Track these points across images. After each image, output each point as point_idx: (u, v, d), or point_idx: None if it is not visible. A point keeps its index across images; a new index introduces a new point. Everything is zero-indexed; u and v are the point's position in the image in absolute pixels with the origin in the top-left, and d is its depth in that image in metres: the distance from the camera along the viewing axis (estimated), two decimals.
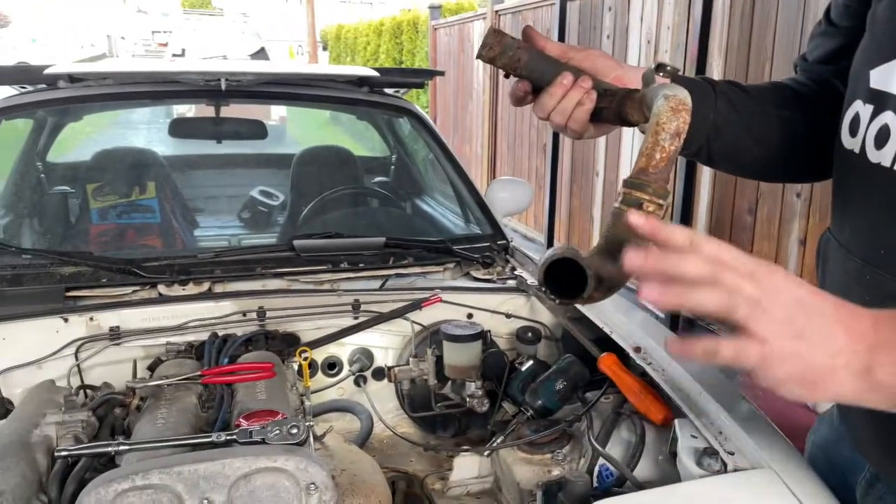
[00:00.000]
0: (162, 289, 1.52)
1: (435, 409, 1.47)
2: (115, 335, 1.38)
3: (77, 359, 1.35)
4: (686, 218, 3.28)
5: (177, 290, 1.52)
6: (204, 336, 1.39)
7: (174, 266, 1.57)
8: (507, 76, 0.80)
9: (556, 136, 4.70)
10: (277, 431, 0.97)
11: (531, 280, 1.69)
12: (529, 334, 1.54)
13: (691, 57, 3.22)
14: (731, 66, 3.11)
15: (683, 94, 0.62)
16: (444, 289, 1.56)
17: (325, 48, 23.21)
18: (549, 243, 4.81)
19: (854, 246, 0.79)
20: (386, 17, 10.16)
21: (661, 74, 0.68)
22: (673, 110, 0.61)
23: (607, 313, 1.45)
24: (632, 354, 1.27)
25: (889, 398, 0.56)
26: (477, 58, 0.76)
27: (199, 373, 1.21)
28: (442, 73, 2.99)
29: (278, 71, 2.03)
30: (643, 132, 0.72)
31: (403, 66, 9.22)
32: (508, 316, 1.59)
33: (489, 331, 1.52)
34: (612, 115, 0.76)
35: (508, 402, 1.47)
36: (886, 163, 0.72)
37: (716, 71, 3.19)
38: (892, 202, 0.72)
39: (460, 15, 7.01)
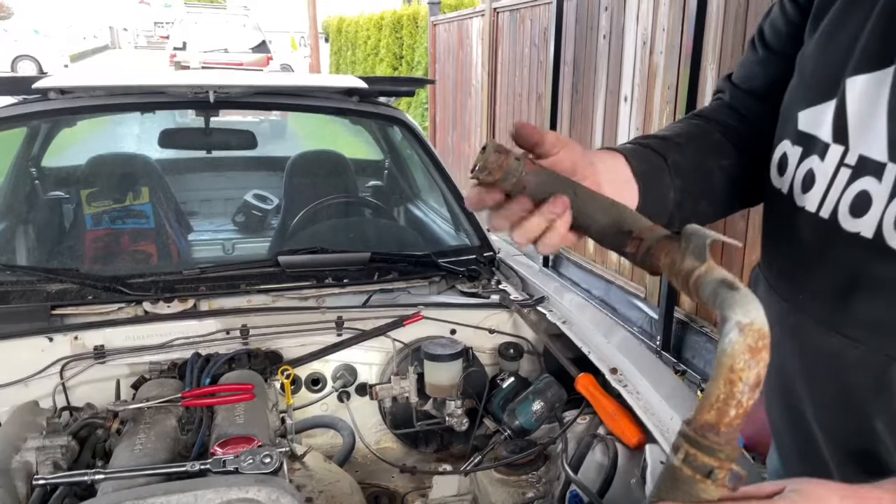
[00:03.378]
0: (147, 306, 1.54)
1: (416, 427, 1.48)
2: (100, 354, 1.39)
3: (62, 377, 1.37)
4: None
5: (162, 307, 1.53)
6: (188, 354, 1.41)
7: (159, 283, 1.59)
8: (514, 195, 0.65)
9: None
10: (251, 460, 0.98)
11: (514, 295, 1.70)
12: (511, 351, 1.56)
13: (685, 59, 3.22)
14: (724, 68, 3.10)
15: (761, 322, 0.49)
16: (427, 305, 1.58)
17: (326, 40, 23.13)
18: None
19: (779, 287, 0.79)
20: (386, 12, 10.14)
21: (711, 244, 0.55)
22: (752, 351, 0.48)
23: (587, 332, 1.46)
24: (608, 376, 1.28)
25: None
26: (472, 178, 0.64)
27: (179, 395, 1.22)
28: (432, 82, 2.97)
29: (267, 83, 2.03)
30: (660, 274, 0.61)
31: (404, 59, 9.21)
32: (492, 331, 1.60)
33: (471, 347, 1.53)
34: (637, 261, 0.62)
35: (489, 418, 1.48)
36: (811, 208, 0.72)
37: (710, 74, 3.18)
38: (816, 248, 0.72)
39: (459, 11, 6.99)
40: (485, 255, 1.91)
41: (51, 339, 1.39)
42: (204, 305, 1.60)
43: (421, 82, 2.48)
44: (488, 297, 1.70)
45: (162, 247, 2.28)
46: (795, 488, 0.56)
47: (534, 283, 1.75)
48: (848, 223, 0.68)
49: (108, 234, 2.35)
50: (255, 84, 1.97)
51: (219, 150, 2.56)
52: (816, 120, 0.72)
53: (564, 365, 1.40)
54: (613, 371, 1.29)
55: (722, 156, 0.85)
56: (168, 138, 2.29)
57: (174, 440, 1.15)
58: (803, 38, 0.78)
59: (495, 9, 5.67)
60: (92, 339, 1.41)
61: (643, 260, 0.61)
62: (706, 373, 3.28)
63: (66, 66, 20.24)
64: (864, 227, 0.66)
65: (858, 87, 0.68)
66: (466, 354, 1.49)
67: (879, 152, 0.65)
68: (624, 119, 3.95)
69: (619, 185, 0.75)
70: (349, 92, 2.17)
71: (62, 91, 2.00)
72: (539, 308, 1.60)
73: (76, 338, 1.40)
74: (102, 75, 2.32)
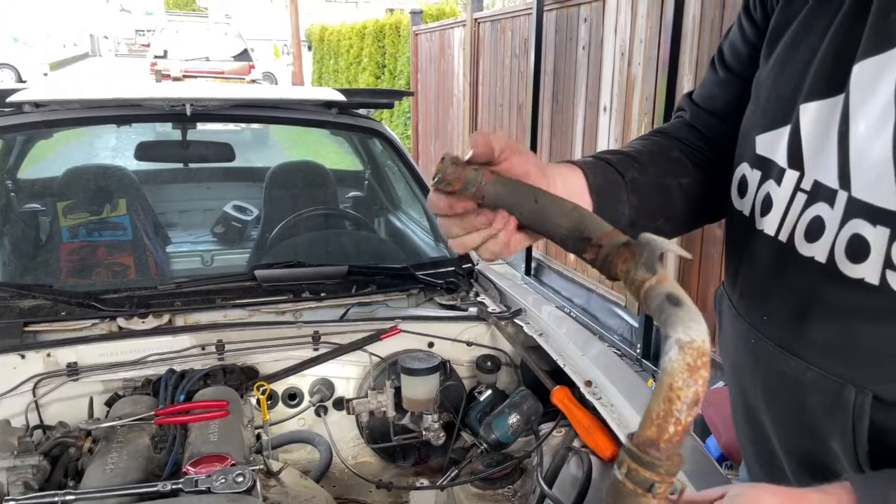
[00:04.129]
0: (121, 321, 1.53)
1: (394, 441, 1.48)
2: (73, 371, 1.38)
3: (35, 395, 1.36)
4: None
5: (136, 323, 1.52)
6: (162, 370, 1.40)
7: (134, 298, 1.58)
8: (479, 205, 0.67)
9: (533, 147, 4.73)
10: (223, 480, 0.98)
11: (492, 307, 1.71)
12: (489, 363, 1.56)
13: (663, 70, 3.25)
14: (700, 79, 3.14)
15: (701, 340, 0.50)
16: (404, 318, 1.58)
17: (309, 48, 23.09)
18: (528, 250, 4.83)
19: (742, 308, 0.80)
20: (369, 21, 10.15)
21: (662, 253, 0.58)
22: (690, 370, 0.49)
23: (564, 344, 1.47)
24: (582, 389, 1.29)
25: None
26: (433, 190, 0.64)
27: (152, 413, 1.22)
28: (412, 94, 2.97)
29: (244, 96, 2.03)
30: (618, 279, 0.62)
31: (386, 68, 9.22)
32: (469, 344, 1.61)
33: (448, 361, 1.53)
34: (597, 267, 0.63)
35: (467, 432, 1.48)
36: (770, 231, 0.73)
37: (687, 85, 3.22)
38: (775, 271, 0.73)
39: (441, 21, 7.02)
40: (463, 266, 1.92)
41: (23, 357, 1.37)
42: (179, 320, 1.59)
43: (400, 94, 2.48)
44: (466, 310, 1.71)
45: (139, 259, 2.27)
46: (735, 493, 0.57)
47: (512, 295, 1.76)
48: (804, 248, 0.69)
49: (85, 246, 2.33)
50: (231, 97, 1.96)
51: (196, 163, 2.55)
52: (773, 145, 0.74)
53: (540, 377, 1.41)
54: (588, 384, 1.30)
55: (681, 173, 0.86)
56: (144, 151, 2.28)
57: (147, 459, 1.14)
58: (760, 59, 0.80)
59: (476, 19, 5.71)
60: (65, 355, 1.39)
61: (602, 266, 0.62)
62: None
63: (45, 74, 20.05)
64: (818, 251, 0.68)
65: (811, 114, 0.70)
66: (444, 368, 1.49)
67: (831, 179, 0.67)
68: (603, 129, 3.99)
69: (572, 198, 0.73)
70: (328, 104, 2.17)
71: (37, 105, 1.99)
72: (516, 320, 1.61)
73: (49, 355, 1.39)
74: (78, 88, 2.30)
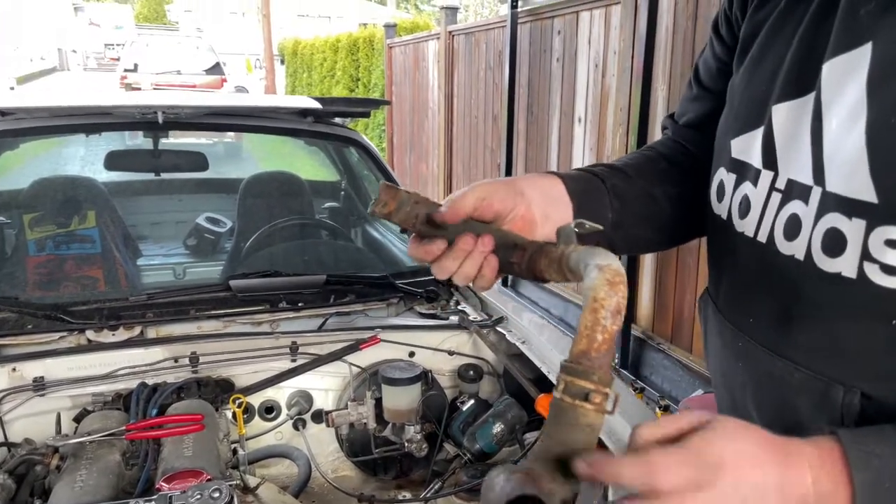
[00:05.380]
0: (90, 334, 1.47)
1: (375, 453, 1.45)
2: (40, 386, 1.32)
3: None
4: (632, 259, 3.33)
5: (106, 336, 1.47)
6: (134, 384, 1.35)
7: (104, 310, 1.53)
8: (402, 231, 0.71)
9: (509, 158, 4.74)
10: (199, 496, 0.94)
11: (474, 315, 1.69)
12: (471, 373, 1.54)
13: (637, 82, 3.28)
14: (674, 91, 3.18)
15: (616, 264, 0.56)
16: (384, 328, 1.55)
17: (282, 62, 23.03)
18: None
19: (727, 311, 0.79)
20: (342, 34, 10.14)
21: (580, 229, 0.63)
22: (610, 284, 0.54)
23: (546, 351, 1.45)
24: None
25: None
26: (370, 214, 0.69)
27: (123, 428, 1.17)
28: (388, 103, 2.97)
29: (218, 104, 1.99)
30: (544, 280, 0.66)
31: (360, 81, 9.21)
32: (451, 353, 1.58)
33: (430, 370, 1.50)
34: (523, 270, 0.68)
35: (450, 442, 1.45)
36: (749, 233, 0.73)
37: (661, 95, 3.26)
38: (758, 272, 0.73)
39: (415, 34, 7.04)
40: None
41: None
42: (151, 332, 1.54)
43: (376, 103, 2.47)
44: (447, 318, 1.69)
45: (109, 272, 2.20)
46: (715, 425, 0.55)
47: (493, 303, 1.74)
48: (783, 246, 0.69)
49: (52, 259, 2.26)
50: (205, 105, 1.92)
51: (168, 173, 2.49)
52: (747, 147, 0.74)
53: (524, 385, 1.39)
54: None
55: (668, 184, 0.88)
56: (114, 161, 2.22)
57: (118, 476, 1.09)
58: (732, 73, 0.81)
59: (450, 32, 5.73)
60: (31, 370, 1.34)
61: (528, 267, 0.67)
62: (664, 389, 3.31)
63: (11, 88, 19.70)
64: (797, 249, 0.67)
65: (783, 114, 0.70)
66: (425, 377, 1.46)
67: (805, 176, 0.67)
68: (578, 140, 4.01)
69: (551, 202, 0.77)
70: (303, 113, 2.14)
71: (2, 113, 1.93)
72: (498, 328, 1.59)
73: (14, 369, 1.33)
74: (47, 98, 2.24)
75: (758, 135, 0.73)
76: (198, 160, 2.28)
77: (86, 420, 1.26)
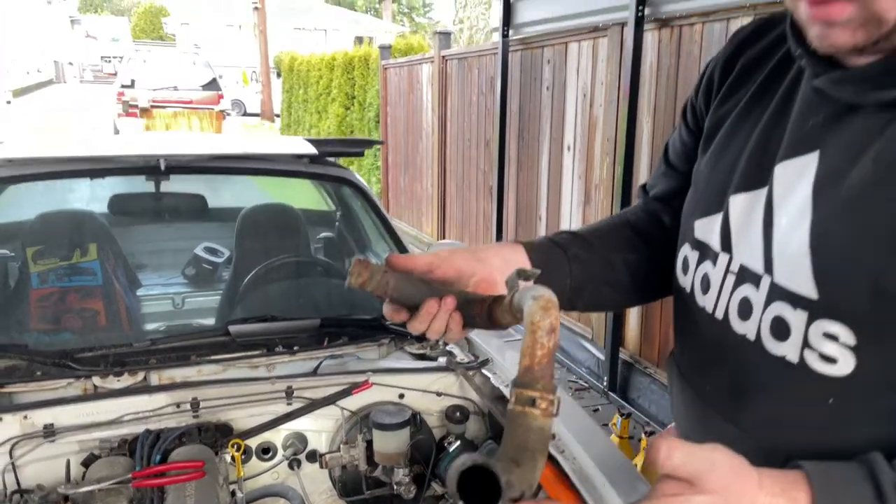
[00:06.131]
0: (96, 380, 1.55)
1: (366, 494, 1.53)
2: (50, 433, 1.40)
3: (12, 457, 1.38)
4: None
5: (112, 381, 1.55)
6: (138, 429, 1.43)
7: (109, 357, 1.61)
8: (380, 300, 0.82)
9: (500, 181, 4.84)
10: None
11: (461, 356, 1.77)
12: (458, 414, 1.62)
13: (623, 113, 3.39)
14: (658, 124, 3.28)
15: (549, 293, 0.67)
16: (375, 371, 1.63)
17: (278, 74, 23.10)
18: None
19: (689, 377, 0.88)
20: (338, 53, 10.26)
21: (523, 279, 0.73)
22: (543, 309, 0.65)
23: None
24: None
25: None
26: (347, 287, 0.79)
27: (129, 476, 1.25)
28: (382, 143, 3.06)
29: (218, 152, 2.08)
30: (502, 326, 0.77)
31: (356, 99, 9.32)
32: (439, 394, 1.67)
33: (419, 413, 1.59)
34: (483, 321, 0.78)
35: (437, 482, 1.54)
36: (709, 309, 0.81)
37: (646, 127, 3.36)
38: (715, 345, 0.81)
39: (409, 57, 7.15)
40: None
41: (0, 419, 1.39)
42: (154, 377, 1.62)
43: (370, 143, 2.56)
44: (436, 359, 1.77)
45: (109, 303, 2.28)
46: (689, 456, 0.61)
47: (479, 343, 1.82)
48: (737, 325, 0.77)
49: (55, 292, 2.34)
50: (207, 153, 2.01)
51: (170, 215, 2.58)
52: (708, 229, 0.83)
53: None
54: (552, 436, 1.36)
55: (628, 251, 0.97)
56: (118, 204, 2.31)
57: None
58: (697, 156, 0.90)
59: (444, 56, 5.84)
60: (41, 417, 1.42)
61: (487, 318, 0.77)
62: (651, 413, 3.39)
63: (8, 102, 19.78)
64: (749, 329, 0.75)
65: (739, 204, 0.78)
66: (414, 420, 1.54)
67: (757, 264, 0.75)
68: (567, 166, 4.11)
69: (512, 267, 0.83)
70: (300, 155, 2.23)
71: (10, 161, 2.02)
72: (484, 371, 1.68)
73: (25, 417, 1.41)
74: (55, 143, 2.33)
75: (717, 219, 0.81)
76: (198, 203, 2.37)
77: (94, 466, 1.34)
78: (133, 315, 2.38)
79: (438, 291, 0.80)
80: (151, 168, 2.05)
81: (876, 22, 0.63)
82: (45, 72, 35.37)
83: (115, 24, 48.88)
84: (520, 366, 0.63)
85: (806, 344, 0.70)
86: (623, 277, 0.96)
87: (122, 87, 13.14)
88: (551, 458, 1.35)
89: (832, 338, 0.67)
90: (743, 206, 0.78)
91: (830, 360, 0.68)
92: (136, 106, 11.53)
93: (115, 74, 16.53)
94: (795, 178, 0.72)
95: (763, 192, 0.75)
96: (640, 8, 3.16)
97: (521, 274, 0.72)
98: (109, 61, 40.74)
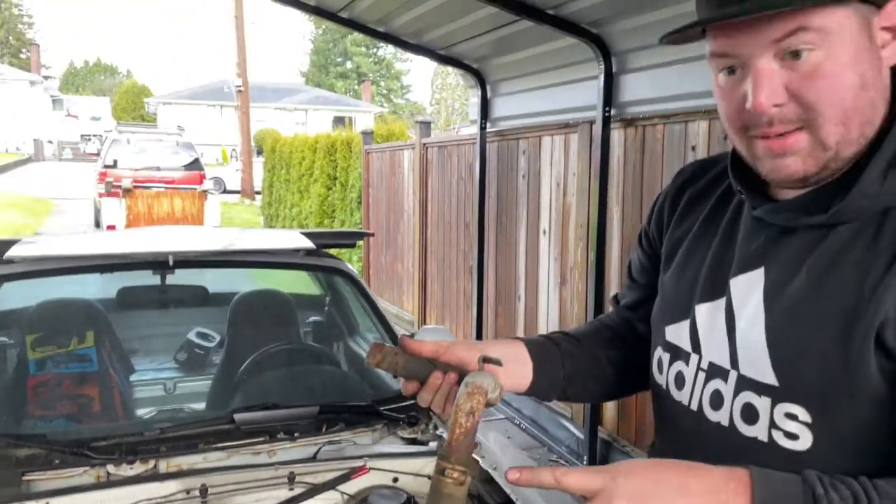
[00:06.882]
0: (110, 468, 1.65)
1: None
2: None
3: None
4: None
5: (125, 469, 1.65)
6: None
7: (122, 445, 1.71)
8: (394, 376, 0.99)
9: (480, 262, 5.04)
10: None
11: None
12: None
13: (594, 202, 3.63)
14: (626, 212, 3.53)
15: (481, 380, 0.81)
16: (371, 456, 1.75)
17: (259, 152, 23.50)
18: None
19: None
20: (321, 135, 10.63)
21: (485, 363, 0.89)
22: (468, 394, 0.78)
23: None
24: None
25: None
26: (366, 366, 0.99)
27: None
28: (372, 235, 3.28)
29: (220, 248, 2.25)
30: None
31: (337, 181, 9.60)
32: (430, 477, 1.78)
33: (413, 496, 1.70)
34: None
35: None
36: (685, 402, 0.96)
37: (616, 215, 3.60)
38: (693, 433, 0.95)
39: (391, 143, 7.48)
40: None
41: None
42: (162, 464, 1.72)
43: (361, 235, 2.76)
44: (427, 443, 1.89)
45: (104, 389, 2.37)
46: (620, 473, 0.73)
47: None
48: (711, 414, 0.92)
49: (51, 378, 2.44)
50: (211, 249, 2.18)
51: (174, 307, 2.71)
52: (678, 334, 0.99)
53: None
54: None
55: (611, 349, 1.13)
56: (126, 297, 2.44)
57: None
58: (657, 271, 1.08)
59: (424, 144, 6.14)
60: (62, 503, 1.51)
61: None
62: None
63: None
64: (722, 417, 0.91)
65: (704, 312, 0.95)
66: (409, 503, 1.66)
67: (724, 360, 0.91)
68: (544, 250, 4.33)
69: (511, 358, 1.02)
70: (297, 249, 2.40)
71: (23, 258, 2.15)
72: (472, 454, 1.80)
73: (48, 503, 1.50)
74: (67, 241, 2.48)
75: (685, 325, 0.97)
76: (200, 293, 2.51)
77: None
78: (125, 400, 2.47)
79: (444, 368, 0.96)
80: (160, 263, 2.21)
81: (822, 147, 0.79)
82: (25, 149, 35.64)
83: (97, 104, 49.69)
84: (445, 440, 0.78)
85: (773, 424, 0.85)
86: (607, 371, 1.13)
87: (105, 167, 13.33)
88: None
89: (792, 417, 0.83)
90: (707, 314, 0.95)
91: (793, 436, 0.83)
92: (118, 186, 11.68)
93: (97, 154, 16.72)
94: (748, 290, 0.89)
95: (722, 301, 0.93)
96: (607, 109, 3.45)
97: (485, 359, 0.89)
98: (90, 139, 41.22)
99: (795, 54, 0.77)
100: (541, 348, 1.07)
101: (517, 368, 1.03)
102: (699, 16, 0.83)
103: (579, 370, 1.09)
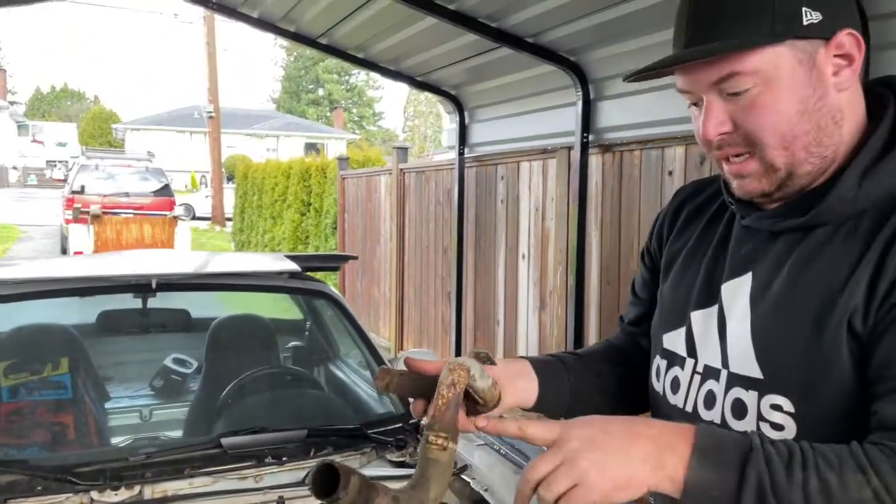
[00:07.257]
0: (94, 494, 1.61)
1: None
2: None
3: None
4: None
5: (109, 496, 1.61)
6: None
7: (107, 471, 1.67)
8: (401, 397, 1.04)
9: (459, 287, 5.05)
10: None
11: None
12: None
13: (573, 227, 3.68)
14: (605, 237, 3.58)
15: (462, 360, 0.88)
16: None
17: (230, 178, 23.32)
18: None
19: None
20: (294, 161, 10.64)
21: (475, 358, 0.95)
22: (450, 370, 0.85)
23: (508, 500, 1.66)
24: None
25: (675, 487, 0.78)
26: (379, 392, 1.01)
27: None
28: (355, 258, 3.29)
29: (205, 269, 2.22)
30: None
31: (311, 206, 9.58)
32: None
33: None
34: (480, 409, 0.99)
35: None
36: (680, 404, 1.02)
37: (594, 240, 3.65)
38: None
39: (367, 168, 7.50)
40: (410, 422, 2.10)
41: None
42: (147, 490, 1.68)
43: (345, 258, 2.75)
44: (415, 466, 1.88)
45: (79, 417, 2.31)
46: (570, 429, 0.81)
47: (457, 450, 1.94)
48: (705, 414, 0.97)
49: (25, 406, 2.37)
50: (195, 272, 2.15)
51: (156, 330, 2.67)
52: (674, 341, 1.05)
53: None
54: (453, 471, 1.48)
55: (615, 364, 1.19)
56: (106, 321, 2.39)
57: None
58: (658, 285, 1.13)
59: (402, 169, 6.17)
60: None
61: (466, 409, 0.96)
62: None
63: None
64: (714, 416, 0.96)
65: (698, 318, 1.01)
66: None
67: (716, 362, 0.97)
68: (523, 274, 4.36)
69: (519, 375, 1.07)
70: (281, 272, 2.39)
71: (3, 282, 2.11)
72: (463, 476, 1.79)
73: None
74: (46, 265, 2.43)
75: (682, 332, 1.03)
76: (183, 317, 2.47)
77: None
78: (100, 427, 2.41)
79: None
80: (141, 286, 2.17)
81: (772, 169, 0.88)
82: None
83: (63, 130, 49.00)
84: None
85: (760, 417, 0.90)
86: (610, 385, 1.17)
87: (73, 192, 13.10)
88: None
89: (777, 408, 0.88)
90: (701, 320, 1.01)
91: (779, 427, 0.88)
92: (86, 212, 11.47)
93: (63, 180, 16.43)
94: (737, 293, 0.96)
95: (715, 307, 0.99)
96: (585, 135, 3.52)
97: (476, 355, 0.92)
98: (55, 165, 40.57)
99: (735, 93, 0.86)
100: (545, 365, 1.11)
101: (523, 384, 1.06)
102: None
103: (584, 385, 1.14)
